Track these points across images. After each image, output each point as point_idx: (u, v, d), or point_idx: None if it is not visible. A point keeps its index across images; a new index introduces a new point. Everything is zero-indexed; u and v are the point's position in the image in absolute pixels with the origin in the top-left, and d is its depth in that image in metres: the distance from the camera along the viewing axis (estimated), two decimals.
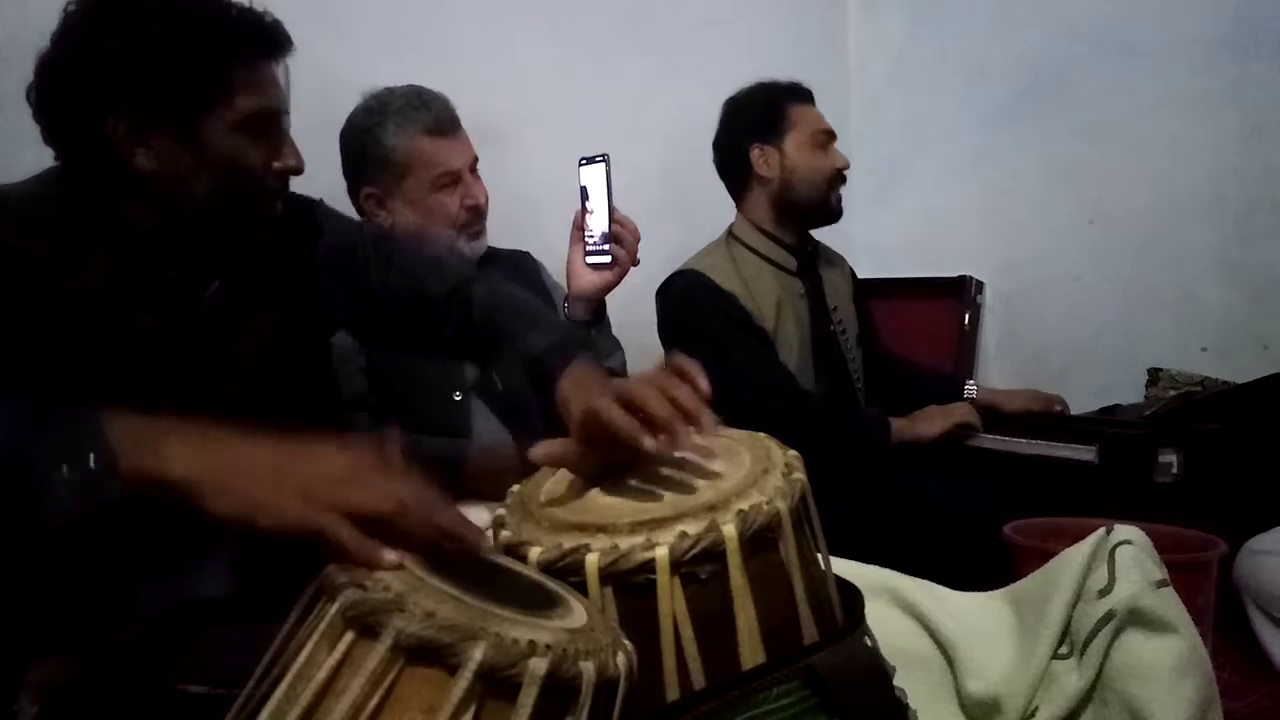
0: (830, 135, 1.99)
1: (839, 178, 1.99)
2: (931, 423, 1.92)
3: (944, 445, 1.93)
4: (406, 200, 1.67)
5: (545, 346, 1.00)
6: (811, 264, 2.04)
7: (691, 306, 1.90)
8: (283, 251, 1.14)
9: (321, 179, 1.62)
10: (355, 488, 0.68)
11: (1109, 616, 0.87)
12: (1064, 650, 0.90)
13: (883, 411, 1.94)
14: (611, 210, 1.47)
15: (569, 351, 0.97)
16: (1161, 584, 0.89)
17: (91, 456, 0.70)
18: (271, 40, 1.01)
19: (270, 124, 1.03)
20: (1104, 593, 0.89)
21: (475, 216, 1.71)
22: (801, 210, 1.98)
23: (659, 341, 1.99)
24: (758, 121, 1.98)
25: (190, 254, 1.04)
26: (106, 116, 0.95)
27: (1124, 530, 0.93)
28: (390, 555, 0.63)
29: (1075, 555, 0.93)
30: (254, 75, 1.00)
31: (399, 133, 1.65)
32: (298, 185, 1.22)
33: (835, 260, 2.13)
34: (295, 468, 0.69)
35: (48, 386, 0.94)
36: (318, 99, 1.82)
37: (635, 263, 1.53)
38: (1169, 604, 0.88)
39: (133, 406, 0.96)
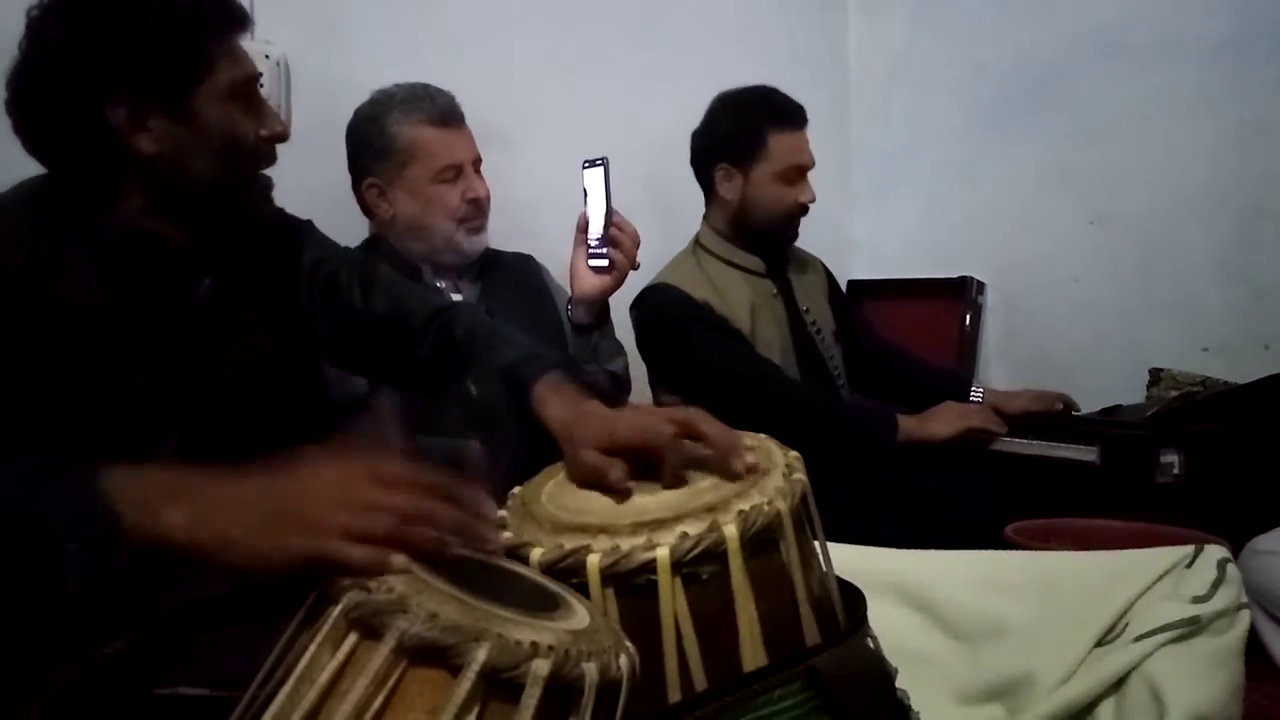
0: (802, 170, 1.94)
1: (801, 210, 1.96)
2: (945, 423, 1.85)
3: (958, 449, 1.86)
4: (407, 190, 1.68)
5: (519, 357, 1.02)
6: (780, 267, 2.04)
7: (667, 319, 1.89)
8: (272, 255, 1.15)
9: (321, 183, 1.63)
10: (350, 509, 0.68)
11: (1192, 621, 0.87)
12: (1108, 638, 0.90)
13: (891, 408, 1.90)
14: (609, 213, 1.47)
15: (543, 362, 0.99)
16: (1244, 605, 0.90)
17: (98, 523, 0.71)
18: (235, 12, 1.04)
19: (251, 92, 1.06)
20: (1199, 600, 0.88)
21: (475, 211, 1.71)
22: (754, 235, 1.97)
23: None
24: (732, 141, 1.95)
25: (185, 246, 1.05)
26: (103, 106, 0.96)
27: (1221, 550, 0.94)
28: (398, 558, 0.63)
29: (1159, 559, 0.93)
30: (228, 47, 1.02)
31: (403, 121, 1.67)
32: (302, 190, 1.23)
33: (807, 260, 2.13)
34: (290, 503, 0.69)
35: (38, 403, 0.94)
36: (317, 102, 1.83)
37: (635, 266, 1.53)
38: (1242, 620, 0.89)
39: (127, 413, 0.97)
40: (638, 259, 1.54)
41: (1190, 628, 0.87)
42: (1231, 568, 0.91)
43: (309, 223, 1.24)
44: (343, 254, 1.24)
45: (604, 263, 1.49)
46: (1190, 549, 0.94)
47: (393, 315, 1.16)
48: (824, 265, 2.18)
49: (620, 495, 0.80)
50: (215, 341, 1.07)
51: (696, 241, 2.02)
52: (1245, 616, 0.89)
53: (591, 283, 1.55)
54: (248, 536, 0.68)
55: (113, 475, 0.72)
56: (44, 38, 0.97)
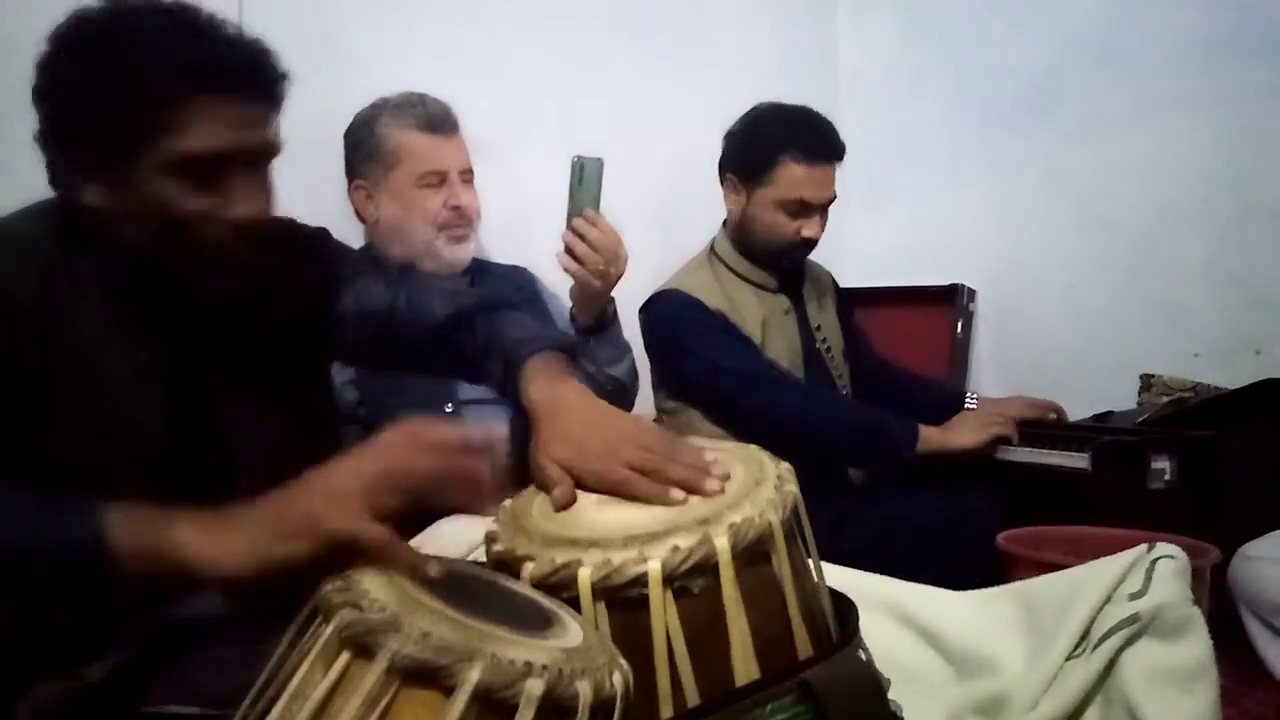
0: (807, 205, 1.87)
1: (803, 245, 1.91)
2: (969, 432, 1.86)
3: (977, 458, 1.86)
4: (391, 193, 1.69)
5: (521, 337, 1.04)
6: (795, 283, 2.02)
7: (676, 324, 1.88)
8: (284, 275, 1.11)
9: (313, 197, 1.62)
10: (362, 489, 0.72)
11: (1133, 619, 0.87)
12: (1077, 651, 0.90)
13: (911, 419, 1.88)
14: (569, 216, 1.48)
15: (538, 343, 1.01)
16: (1194, 602, 0.90)
17: (95, 555, 0.74)
18: (240, 75, 0.92)
19: (217, 167, 0.91)
20: (1135, 596, 0.89)
21: (458, 219, 1.71)
22: (755, 256, 1.95)
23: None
24: (744, 154, 1.92)
25: (188, 276, 1.02)
26: (65, 151, 0.93)
27: (1168, 547, 0.94)
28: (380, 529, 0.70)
29: (1111, 565, 0.94)
30: (195, 114, 0.89)
31: (392, 124, 1.69)
32: (292, 203, 1.22)
33: (819, 275, 2.11)
34: (293, 501, 0.73)
35: (46, 437, 0.93)
36: (309, 114, 1.82)
37: (596, 271, 1.51)
38: (1194, 619, 0.88)
39: (135, 444, 0.97)
40: (607, 265, 1.53)
41: (1134, 625, 0.87)
42: (1164, 563, 0.92)
43: (325, 230, 1.22)
44: (365, 259, 1.24)
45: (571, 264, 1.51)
46: (1142, 548, 0.95)
47: (423, 313, 1.16)
48: (834, 280, 2.16)
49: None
50: (218, 369, 1.04)
51: (711, 249, 2.00)
52: (1197, 616, 0.89)
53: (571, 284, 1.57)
54: (252, 540, 0.72)
55: (112, 509, 0.75)
56: (45, 70, 0.93)
